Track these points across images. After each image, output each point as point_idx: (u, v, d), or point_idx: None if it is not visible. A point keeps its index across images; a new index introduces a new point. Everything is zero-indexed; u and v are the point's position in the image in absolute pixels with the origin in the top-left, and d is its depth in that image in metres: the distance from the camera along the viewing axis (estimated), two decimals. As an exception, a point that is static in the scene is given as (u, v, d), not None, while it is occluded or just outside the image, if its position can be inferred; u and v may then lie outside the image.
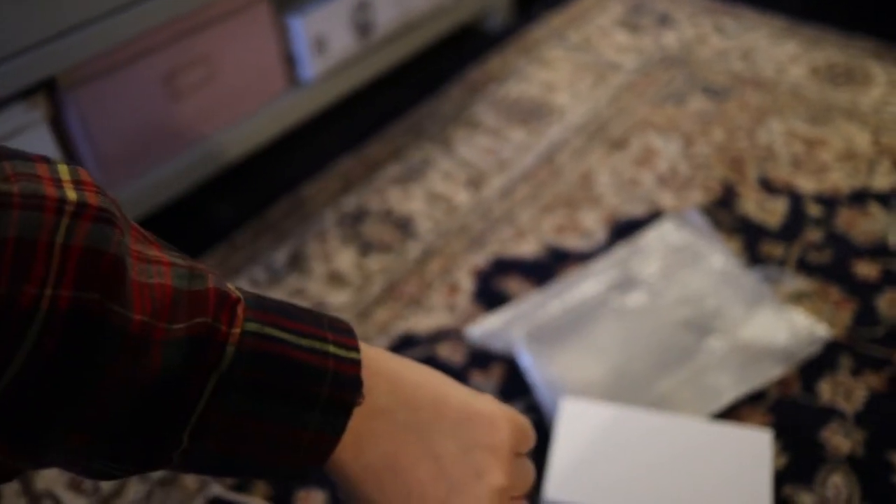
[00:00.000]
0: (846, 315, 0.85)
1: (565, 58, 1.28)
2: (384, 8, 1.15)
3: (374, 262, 0.94)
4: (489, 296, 0.89)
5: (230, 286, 0.35)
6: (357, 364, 0.37)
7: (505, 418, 0.43)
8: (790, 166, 1.04)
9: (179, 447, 0.33)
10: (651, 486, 0.66)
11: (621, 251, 0.92)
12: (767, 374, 0.78)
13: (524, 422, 0.45)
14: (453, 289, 0.90)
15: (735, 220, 0.97)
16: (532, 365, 0.79)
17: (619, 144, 1.10)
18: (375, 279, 0.92)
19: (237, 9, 1.01)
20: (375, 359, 0.40)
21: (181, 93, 0.98)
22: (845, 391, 0.78)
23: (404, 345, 0.84)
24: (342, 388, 0.36)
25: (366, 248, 0.96)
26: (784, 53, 1.25)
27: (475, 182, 1.06)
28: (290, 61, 1.09)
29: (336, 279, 0.92)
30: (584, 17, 1.37)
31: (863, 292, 0.87)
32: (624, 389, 0.77)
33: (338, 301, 0.89)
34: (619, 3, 1.40)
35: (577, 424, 0.70)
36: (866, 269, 0.90)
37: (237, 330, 0.33)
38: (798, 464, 0.72)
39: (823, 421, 0.75)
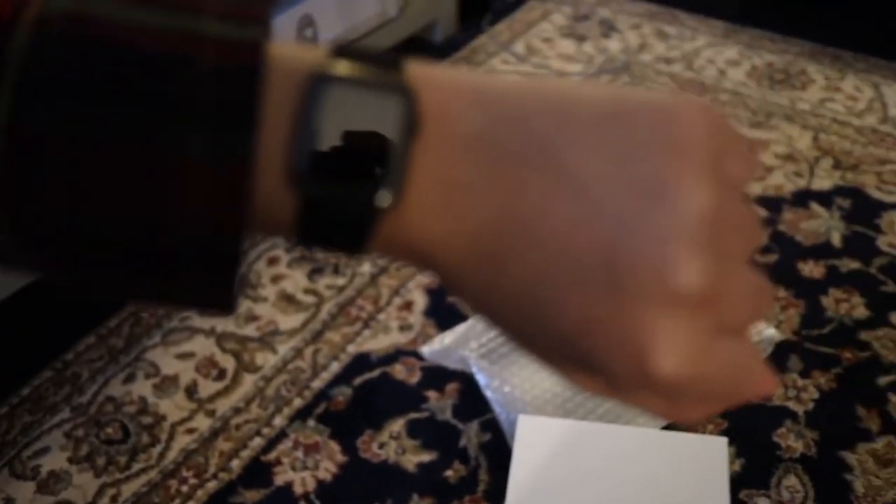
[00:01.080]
0: (794, 315, 0.86)
1: (512, 68, 1.28)
2: (329, 23, 1.14)
3: (325, 283, 0.93)
4: (443, 313, 0.89)
5: None
6: (257, 46, 0.22)
7: (692, 107, 0.23)
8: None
9: None
10: (611, 498, 0.66)
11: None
12: (720, 378, 0.79)
13: (733, 125, 0.25)
14: (406, 307, 0.90)
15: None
16: (486, 385, 0.79)
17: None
18: (327, 301, 0.91)
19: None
20: (434, 69, 0.24)
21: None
22: (796, 392, 0.79)
23: (358, 366, 0.83)
24: (231, 84, 0.22)
25: (316, 269, 0.95)
26: (724, 57, 1.27)
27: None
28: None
29: (287, 301, 0.91)
30: (529, 27, 1.38)
31: (809, 292, 0.88)
32: (579, 403, 0.77)
33: (289, 324, 0.88)
34: (562, 12, 1.41)
35: (535, 441, 0.70)
36: (811, 269, 0.91)
37: (33, 10, 0.22)
38: (753, 467, 0.73)
39: (776, 423, 0.76)
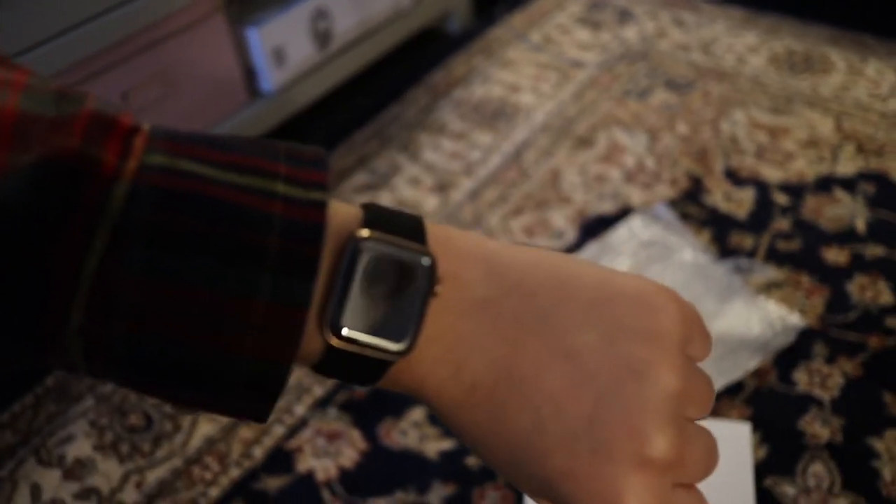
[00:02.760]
0: (818, 302, 0.85)
1: (527, 58, 1.27)
2: (343, 15, 1.14)
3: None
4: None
5: (131, 115, 0.26)
6: (320, 207, 0.25)
7: (668, 297, 0.28)
8: (755, 156, 1.05)
9: (66, 325, 0.24)
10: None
11: (592, 249, 0.91)
12: (743, 365, 0.78)
13: (695, 311, 0.30)
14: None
15: (703, 212, 0.97)
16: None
17: (585, 142, 1.10)
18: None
19: (192, 23, 0.99)
20: (452, 237, 0.28)
21: (138, 110, 0.96)
22: (821, 379, 0.78)
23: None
24: (297, 238, 0.25)
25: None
26: (743, 44, 1.26)
27: (442, 187, 1.05)
28: (249, 74, 1.08)
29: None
30: (545, 16, 1.37)
31: (833, 278, 0.87)
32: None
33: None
34: (578, 1, 1.40)
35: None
36: (835, 256, 0.90)
37: (133, 164, 0.24)
38: (778, 454, 0.72)
39: (801, 410, 0.75)
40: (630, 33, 1.31)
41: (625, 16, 1.35)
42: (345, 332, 0.26)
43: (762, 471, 0.71)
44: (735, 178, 1.02)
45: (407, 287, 0.26)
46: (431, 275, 0.27)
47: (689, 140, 1.08)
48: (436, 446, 0.74)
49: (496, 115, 1.16)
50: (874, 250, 0.90)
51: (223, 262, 0.24)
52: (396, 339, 0.26)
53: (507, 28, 1.34)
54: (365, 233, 0.27)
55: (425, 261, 0.27)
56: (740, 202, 0.98)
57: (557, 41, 1.31)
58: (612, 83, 1.20)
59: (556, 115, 1.15)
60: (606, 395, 0.26)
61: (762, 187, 1.00)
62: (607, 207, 0.99)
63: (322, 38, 1.12)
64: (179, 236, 0.24)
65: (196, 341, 0.24)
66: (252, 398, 0.26)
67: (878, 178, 1.00)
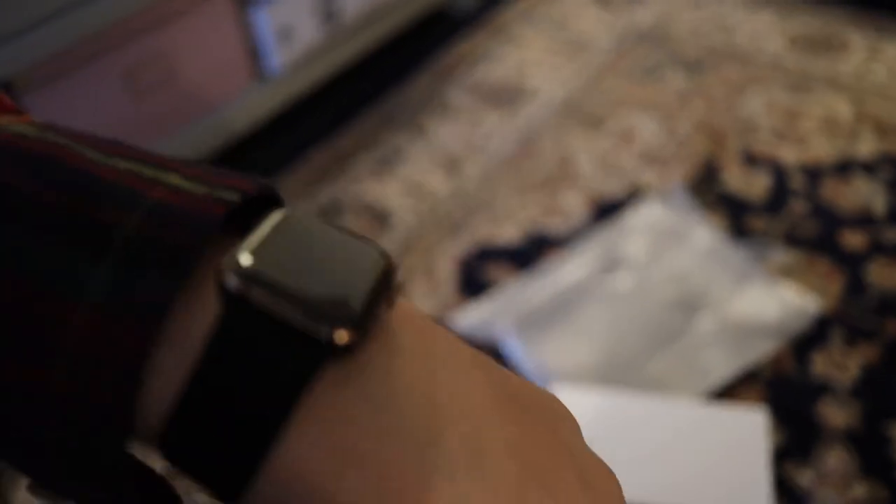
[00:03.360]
0: (836, 287, 0.83)
1: (538, 37, 1.25)
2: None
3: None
4: (471, 284, 0.87)
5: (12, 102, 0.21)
6: (219, 203, 0.18)
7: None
8: (772, 138, 1.03)
9: None
10: (647, 470, 0.64)
11: (605, 232, 0.90)
12: (759, 350, 0.77)
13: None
14: (434, 279, 0.88)
15: (719, 195, 0.95)
16: (522, 353, 0.77)
17: (597, 123, 1.08)
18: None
19: (197, 2, 0.97)
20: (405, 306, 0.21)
21: (143, 91, 0.95)
22: (839, 364, 0.76)
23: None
24: (169, 223, 0.17)
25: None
26: (759, 24, 1.24)
27: (452, 168, 1.03)
28: (254, 54, 1.06)
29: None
30: (556, -4, 1.35)
31: (851, 263, 0.85)
32: (615, 372, 0.75)
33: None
34: (590, -20, 1.38)
35: (571, 410, 0.68)
36: (853, 240, 0.88)
37: None
38: (795, 440, 0.71)
39: (818, 395, 0.74)
40: (643, 13, 1.29)
41: (637, -4, 1.33)
42: (244, 259, 0.17)
43: (778, 457, 0.69)
44: (751, 160, 1.00)
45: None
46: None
47: (705, 122, 1.06)
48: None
49: (506, 96, 1.14)
50: (893, 234, 0.88)
51: (42, 237, 0.17)
52: (336, 318, 0.17)
53: (517, 7, 1.32)
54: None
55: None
56: (756, 185, 0.96)
57: (568, 20, 1.29)
58: (625, 64, 1.18)
59: (567, 95, 1.13)
60: None
61: (779, 170, 0.98)
62: (620, 190, 0.97)
63: (329, 17, 1.10)
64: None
65: None
66: (96, 485, 0.17)
67: (894, 160, 0.97)
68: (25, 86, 0.85)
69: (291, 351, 0.17)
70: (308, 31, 1.08)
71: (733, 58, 1.17)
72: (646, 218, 0.91)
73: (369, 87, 1.18)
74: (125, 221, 0.17)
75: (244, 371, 0.16)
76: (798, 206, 0.93)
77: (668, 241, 0.88)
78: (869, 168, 0.97)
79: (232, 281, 0.17)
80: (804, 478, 0.68)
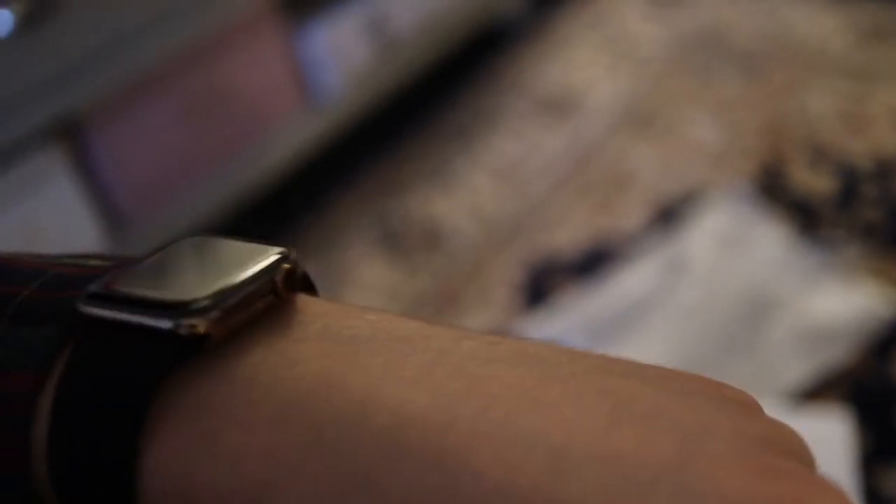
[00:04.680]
0: (914, 284, 0.80)
1: (590, 45, 1.24)
2: (401, 14, 1.13)
3: (419, 271, 0.92)
4: (534, 297, 0.86)
5: None
6: (107, 269, 0.19)
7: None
8: (838, 133, 1.00)
9: None
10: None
11: (669, 238, 0.88)
12: (836, 353, 0.74)
13: None
14: (495, 293, 0.88)
15: (786, 194, 0.93)
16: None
17: (656, 128, 1.06)
18: (421, 286, 0.90)
19: (247, 30, 0.99)
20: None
21: (201, 121, 0.97)
22: (923, 365, 0.73)
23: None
24: (60, 284, 0.18)
25: (406, 258, 0.94)
26: (816, 16, 1.20)
27: (510, 181, 1.03)
28: (305, 79, 1.07)
29: (378, 291, 0.90)
30: (606, 1, 1.34)
31: (930, 258, 0.82)
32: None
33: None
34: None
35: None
36: (931, 233, 0.85)
37: None
38: (879, 445, 0.68)
39: (902, 398, 0.71)
40: (696, 13, 1.27)
41: (689, -4, 1.31)
42: (94, 285, 0.18)
43: (863, 466, 0.67)
44: (818, 156, 0.97)
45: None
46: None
47: (766, 119, 1.04)
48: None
49: (563, 105, 1.14)
50: (974, 226, 0.85)
51: None
52: (176, 312, 0.17)
53: (569, 15, 1.31)
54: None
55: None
56: (824, 181, 0.93)
57: (621, 25, 1.27)
58: (681, 64, 1.16)
59: (624, 101, 1.12)
60: None
61: (848, 165, 0.95)
62: (683, 192, 0.95)
63: (381, 39, 1.11)
64: None
65: None
66: None
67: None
68: (90, 121, 0.87)
69: (138, 353, 0.16)
70: (360, 54, 1.09)
71: (792, 52, 1.14)
72: (710, 222, 0.89)
73: (425, 106, 1.19)
74: (20, 291, 0.18)
75: (96, 384, 0.16)
76: (869, 202, 0.90)
77: (735, 243, 0.86)
78: (944, 158, 0.93)
79: (80, 304, 0.17)
80: (890, 483, 0.66)
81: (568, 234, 0.93)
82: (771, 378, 0.73)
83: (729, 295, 0.81)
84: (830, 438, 0.65)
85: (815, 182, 0.94)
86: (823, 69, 1.11)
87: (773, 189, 0.94)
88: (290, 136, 1.05)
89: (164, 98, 0.93)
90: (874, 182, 0.92)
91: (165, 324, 0.16)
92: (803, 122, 1.02)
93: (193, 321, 0.16)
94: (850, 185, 0.92)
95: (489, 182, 1.04)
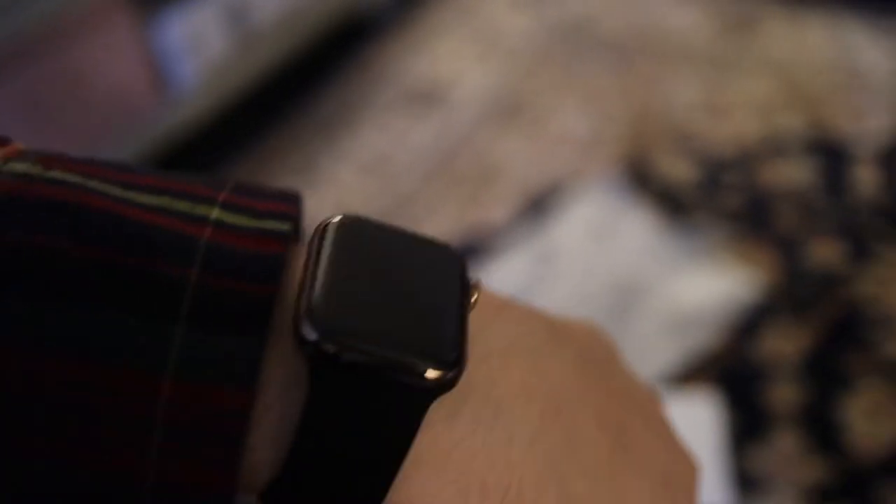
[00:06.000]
0: (775, 267, 0.81)
1: (459, 35, 1.23)
2: (261, 4, 1.07)
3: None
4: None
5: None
6: (278, 237, 0.17)
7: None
8: (702, 121, 1.01)
9: None
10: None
11: (540, 228, 0.87)
12: (704, 338, 0.74)
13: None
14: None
15: (653, 182, 0.93)
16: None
17: (525, 117, 1.05)
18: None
19: (97, 18, 0.92)
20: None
21: (48, 114, 0.89)
22: (784, 343, 0.74)
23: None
24: (235, 272, 0.16)
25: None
26: (681, 7, 1.23)
27: (381, 174, 0.99)
28: (160, 71, 1.01)
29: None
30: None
31: (789, 242, 0.84)
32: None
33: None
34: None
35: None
36: (789, 217, 0.86)
37: None
38: (747, 424, 0.68)
39: (766, 376, 0.71)
40: (565, 3, 1.27)
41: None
42: (347, 351, 0.16)
43: (730, 441, 0.67)
44: (681, 145, 0.98)
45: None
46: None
47: (634, 110, 1.04)
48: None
49: (430, 95, 1.11)
50: (828, 211, 0.87)
51: (101, 307, 0.15)
52: (433, 356, 0.16)
53: (434, 7, 1.29)
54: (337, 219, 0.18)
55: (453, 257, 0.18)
56: (688, 169, 0.94)
57: (488, 17, 1.26)
58: (550, 56, 1.16)
59: (491, 91, 1.10)
60: None
61: (710, 153, 0.96)
62: (552, 183, 0.94)
63: (240, 28, 1.06)
64: (30, 265, 0.15)
65: (65, 457, 0.15)
66: None
67: (824, 137, 0.97)
68: None
69: (394, 402, 0.16)
70: (218, 44, 1.03)
71: (657, 43, 1.16)
72: (580, 212, 0.88)
73: (287, 96, 1.14)
74: (187, 275, 0.15)
75: (347, 429, 0.16)
76: (732, 188, 0.91)
77: (603, 233, 0.85)
78: (798, 144, 0.96)
79: (311, 334, 0.15)
80: (758, 461, 0.65)
81: (437, 229, 0.90)
82: (642, 364, 0.72)
83: (599, 284, 0.80)
84: (700, 420, 0.64)
85: (681, 170, 0.94)
86: (687, 60, 1.13)
87: (640, 178, 0.94)
88: (144, 131, 0.98)
89: (5, 90, 0.84)
90: (736, 169, 0.93)
91: (421, 378, 0.16)
92: (668, 111, 1.04)
93: (445, 373, 0.16)
94: (714, 173, 0.93)
95: (355, 177, 1.00)
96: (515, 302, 0.20)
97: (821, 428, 0.67)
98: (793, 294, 0.78)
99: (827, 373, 0.71)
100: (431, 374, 0.16)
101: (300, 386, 0.16)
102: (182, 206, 0.16)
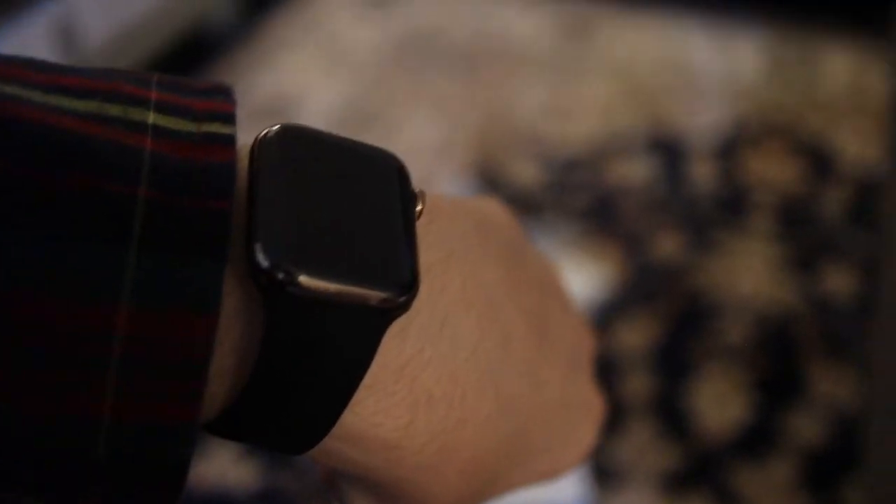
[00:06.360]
0: (624, 259, 0.83)
1: (305, 49, 1.20)
2: (93, 22, 1.02)
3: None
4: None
5: None
6: (223, 142, 0.15)
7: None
8: (545, 123, 1.03)
9: None
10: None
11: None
12: (557, 333, 0.75)
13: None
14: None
15: (504, 184, 0.94)
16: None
17: (376, 127, 1.04)
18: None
19: None
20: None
21: None
22: (635, 336, 0.75)
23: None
24: (187, 187, 0.15)
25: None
26: (525, 15, 1.25)
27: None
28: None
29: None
30: (318, 2, 1.31)
31: (634, 236, 0.86)
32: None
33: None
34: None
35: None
36: (636, 213, 0.89)
37: None
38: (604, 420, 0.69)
39: (619, 368, 0.72)
40: (412, 15, 1.27)
41: None
42: (303, 279, 0.15)
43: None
44: (531, 146, 0.99)
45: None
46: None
47: (482, 115, 1.05)
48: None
49: (277, 111, 1.08)
50: (654, 205, 0.90)
51: (44, 234, 0.13)
52: (389, 279, 0.16)
53: (280, 20, 1.27)
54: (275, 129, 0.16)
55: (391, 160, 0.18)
56: (538, 171, 0.96)
57: (335, 28, 1.25)
58: (396, 66, 1.16)
59: (340, 103, 1.09)
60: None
61: (557, 152, 0.98)
62: (404, 193, 0.94)
63: (71, 49, 1.00)
64: None
65: (8, 402, 0.14)
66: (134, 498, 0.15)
67: (663, 134, 1.00)
68: None
69: (352, 327, 0.16)
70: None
71: (503, 50, 1.18)
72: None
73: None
74: (134, 193, 0.14)
75: (304, 356, 0.16)
76: (579, 187, 0.93)
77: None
78: (639, 143, 0.99)
79: (265, 262, 0.15)
80: (615, 453, 0.66)
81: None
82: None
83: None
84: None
85: (529, 172, 0.96)
86: (532, 65, 1.15)
87: (490, 182, 0.94)
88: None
89: None
90: (582, 169, 0.95)
91: (380, 301, 0.16)
92: (515, 116, 1.05)
93: (405, 298, 0.16)
94: (561, 174, 0.95)
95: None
96: (440, 199, 0.19)
97: (672, 416, 0.69)
98: (640, 287, 0.80)
99: (675, 361, 0.73)
100: (389, 297, 0.16)
101: (254, 312, 0.15)
102: (115, 110, 0.15)
